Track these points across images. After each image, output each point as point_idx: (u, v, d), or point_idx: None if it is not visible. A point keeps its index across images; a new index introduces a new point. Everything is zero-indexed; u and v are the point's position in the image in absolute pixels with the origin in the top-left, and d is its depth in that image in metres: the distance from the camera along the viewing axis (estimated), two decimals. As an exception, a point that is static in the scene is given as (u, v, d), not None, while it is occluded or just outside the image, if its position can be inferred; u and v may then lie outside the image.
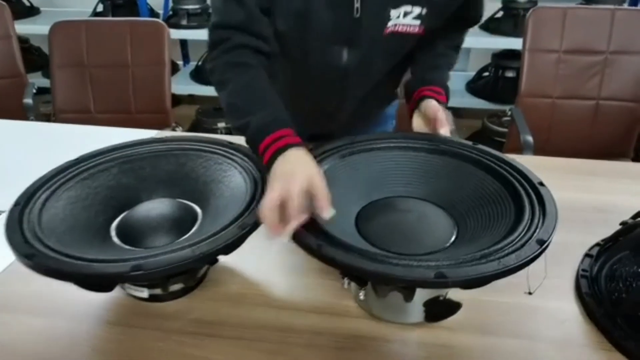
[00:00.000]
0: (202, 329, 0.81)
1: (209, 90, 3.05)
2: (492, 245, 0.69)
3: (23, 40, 3.42)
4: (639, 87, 1.80)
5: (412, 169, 0.93)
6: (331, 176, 0.84)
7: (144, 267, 0.66)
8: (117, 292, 0.86)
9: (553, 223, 0.72)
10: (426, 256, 0.75)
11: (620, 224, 0.93)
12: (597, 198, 1.13)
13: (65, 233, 0.79)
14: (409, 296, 0.74)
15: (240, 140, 0.93)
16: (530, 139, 1.71)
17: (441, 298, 0.77)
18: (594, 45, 1.81)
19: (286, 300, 0.87)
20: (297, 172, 0.75)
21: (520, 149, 1.72)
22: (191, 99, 3.69)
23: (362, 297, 0.81)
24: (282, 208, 0.72)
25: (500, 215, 0.79)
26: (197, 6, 3.11)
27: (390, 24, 0.99)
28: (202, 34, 2.94)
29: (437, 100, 1.04)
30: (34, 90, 2.08)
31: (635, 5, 2.77)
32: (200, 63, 3.44)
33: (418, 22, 1.00)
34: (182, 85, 3.33)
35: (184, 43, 3.65)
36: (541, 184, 0.82)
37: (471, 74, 3.23)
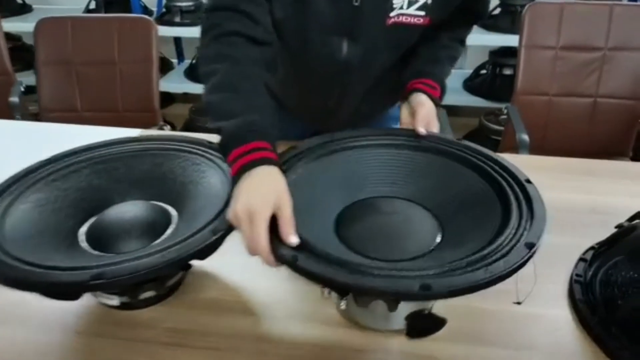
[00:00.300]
0: (175, 339, 0.77)
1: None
2: (479, 251, 0.66)
3: (15, 39, 3.39)
4: (637, 84, 1.76)
5: (396, 167, 0.89)
6: (310, 177, 0.80)
7: (105, 276, 0.62)
8: (87, 299, 0.82)
9: (542, 225, 0.68)
10: (410, 262, 0.71)
11: (616, 227, 0.89)
12: (594, 199, 1.09)
13: (30, 238, 0.75)
14: (393, 306, 0.70)
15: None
16: (526, 137, 1.67)
17: (425, 312, 0.74)
18: (592, 42, 1.77)
19: (265, 307, 0.84)
20: (262, 196, 0.68)
21: (516, 148, 1.68)
22: (185, 97, 3.64)
23: (343, 307, 0.77)
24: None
25: (486, 216, 0.74)
26: (190, 3, 3.07)
27: (393, 13, 0.94)
28: (195, 32, 2.88)
29: (429, 95, 0.99)
30: (22, 89, 2.04)
31: (634, 0, 2.72)
32: (194, 61, 3.39)
33: (423, 12, 0.96)
34: (176, 83, 3.29)
35: (177, 41, 3.60)
36: (528, 181, 0.77)
37: (468, 71, 3.19)
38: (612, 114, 1.80)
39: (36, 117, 2.04)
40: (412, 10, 0.95)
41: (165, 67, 3.44)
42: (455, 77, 3.16)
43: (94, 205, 0.86)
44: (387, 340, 0.77)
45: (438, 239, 0.77)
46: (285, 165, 0.82)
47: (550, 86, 1.81)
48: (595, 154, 1.38)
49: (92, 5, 3.21)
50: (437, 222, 0.80)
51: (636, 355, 0.72)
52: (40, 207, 0.81)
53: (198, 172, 0.88)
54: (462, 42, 1.14)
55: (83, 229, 0.83)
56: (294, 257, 0.63)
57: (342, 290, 0.70)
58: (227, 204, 0.76)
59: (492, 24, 2.81)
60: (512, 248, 0.65)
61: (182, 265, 0.69)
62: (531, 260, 0.65)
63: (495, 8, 2.85)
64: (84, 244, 0.80)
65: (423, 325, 0.74)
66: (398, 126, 1.36)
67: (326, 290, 0.75)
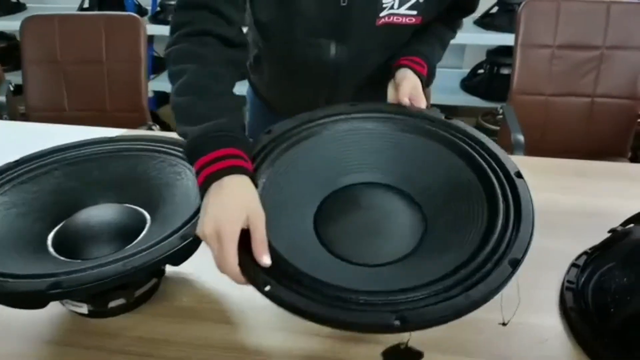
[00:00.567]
0: (146, 349, 0.74)
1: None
2: (460, 267, 0.61)
3: (9, 37, 3.36)
4: (635, 83, 1.72)
5: (379, 150, 0.82)
6: (285, 168, 0.76)
7: (64, 285, 0.59)
8: (57, 306, 0.79)
9: (528, 233, 0.64)
10: (390, 277, 0.67)
11: (609, 232, 0.85)
12: (588, 201, 1.06)
13: (-7, 243, 0.71)
14: None
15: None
16: (521, 138, 1.63)
17: (402, 347, 0.70)
18: (589, 40, 1.73)
19: (244, 316, 0.80)
20: (231, 212, 0.63)
21: (512, 148, 1.65)
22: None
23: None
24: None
25: (471, 216, 0.70)
26: (185, 2, 3.03)
27: (383, 14, 0.91)
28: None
29: (415, 71, 0.94)
30: (11, 88, 2.01)
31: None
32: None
33: (414, 12, 0.92)
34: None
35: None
36: (518, 174, 0.73)
37: (465, 71, 3.15)
38: (609, 114, 1.77)
39: (25, 117, 2.00)
40: (403, 9, 0.91)
41: (161, 66, 3.41)
42: (453, 77, 3.13)
43: (64, 208, 0.83)
44: (373, 349, 0.73)
45: (420, 237, 0.73)
46: (258, 157, 0.77)
47: (546, 86, 1.78)
48: (593, 154, 1.35)
49: (86, 4, 3.18)
50: (420, 215, 0.76)
51: (629, 367, 0.68)
52: (6, 211, 0.77)
53: (174, 174, 0.85)
54: (453, 28, 1.10)
55: (52, 234, 0.79)
56: (265, 283, 0.59)
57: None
58: (199, 209, 0.72)
59: (490, 23, 2.78)
60: (495, 265, 0.60)
61: (147, 273, 0.66)
62: (515, 279, 0.60)
63: (492, 7, 2.81)
64: (51, 249, 0.76)
65: None
66: None
67: None
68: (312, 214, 0.76)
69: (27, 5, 3.47)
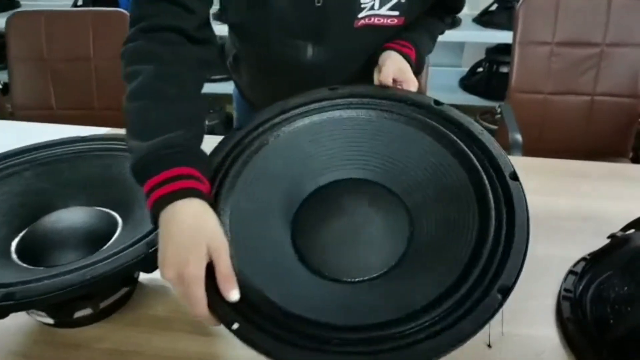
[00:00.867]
0: (115, 361, 0.70)
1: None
2: (446, 295, 0.56)
3: (1, 35, 3.32)
4: (637, 81, 1.67)
5: (360, 143, 0.75)
6: (257, 173, 0.69)
7: (17, 296, 0.55)
8: (24, 315, 0.74)
9: (520, 258, 0.56)
10: (368, 303, 0.61)
11: (609, 237, 0.81)
12: (587, 204, 1.01)
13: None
14: None
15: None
16: (519, 137, 1.58)
17: None
18: (589, 37, 1.68)
19: (220, 327, 0.75)
20: (191, 249, 0.55)
21: (509, 148, 1.60)
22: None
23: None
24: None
25: (460, 227, 0.64)
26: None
27: (362, 14, 0.85)
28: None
29: (401, 53, 0.88)
30: (0, 86, 1.97)
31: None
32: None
33: (396, 12, 0.87)
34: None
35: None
36: (514, 176, 0.65)
37: (464, 69, 3.11)
38: (610, 113, 1.72)
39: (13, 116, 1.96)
40: (384, 10, 0.86)
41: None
42: (451, 75, 3.10)
43: (32, 212, 0.78)
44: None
45: (405, 245, 0.67)
46: (222, 168, 0.69)
47: (545, 84, 1.73)
48: (592, 154, 1.31)
49: (80, 2, 3.13)
50: (405, 217, 0.70)
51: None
52: (-30, 214, 0.73)
53: (150, 175, 0.80)
54: (442, 20, 1.02)
55: (17, 239, 0.75)
56: (232, 320, 0.54)
57: None
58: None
59: (489, 21, 2.74)
60: (483, 294, 0.54)
61: (112, 282, 0.61)
62: None
63: (492, 4, 2.77)
64: (14, 255, 0.72)
65: None
66: None
67: None
68: (288, 222, 0.70)
69: (22, 2, 3.42)
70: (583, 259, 0.84)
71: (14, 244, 0.74)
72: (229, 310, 0.55)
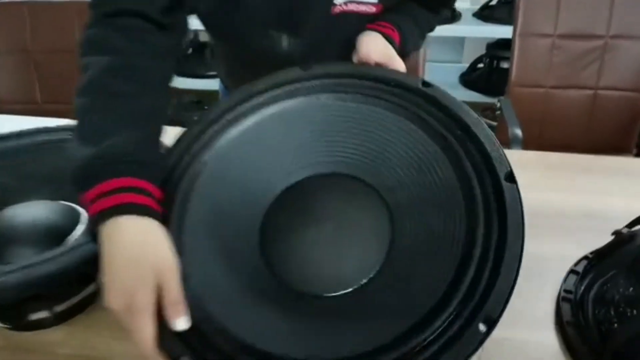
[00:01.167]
0: (74, 368, 0.64)
1: (190, 83, 2.88)
2: (420, 329, 0.48)
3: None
4: (641, 75, 1.62)
5: (336, 132, 0.66)
6: (220, 171, 0.62)
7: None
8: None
9: (510, 282, 0.48)
10: (337, 329, 0.54)
11: (613, 234, 0.75)
12: (589, 200, 0.95)
13: None
14: None
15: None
16: (519, 132, 1.53)
17: None
18: (592, 29, 1.64)
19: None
20: (137, 277, 0.48)
21: (508, 144, 1.55)
22: (172, 91, 3.52)
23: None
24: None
25: (445, 238, 0.56)
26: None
27: (339, 1, 0.80)
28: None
29: (382, 34, 0.80)
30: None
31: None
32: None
33: (374, 0, 0.81)
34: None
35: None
36: (509, 176, 0.56)
37: (465, 65, 3.07)
38: (613, 108, 1.67)
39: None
40: None
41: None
42: (452, 72, 3.06)
43: (-8, 206, 0.73)
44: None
45: (384, 253, 0.60)
46: (178, 167, 0.61)
47: (546, 78, 1.69)
48: (595, 151, 1.26)
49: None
50: (385, 218, 0.62)
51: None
52: None
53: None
54: (429, 9, 0.94)
55: (-30, 235, 0.70)
56: (181, 354, 0.48)
57: None
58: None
59: (489, 15, 2.69)
60: (465, 324, 0.47)
61: (58, 283, 0.55)
62: None
63: (492, -2, 2.73)
64: (-35, 253, 0.67)
65: None
66: None
67: None
68: (256, 230, 0.63)
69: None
70: (585, 257, 0.79)
71: (-33, 240, 0.69)
72: (178, 342, 0.48)
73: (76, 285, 0.66)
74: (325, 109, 0.67)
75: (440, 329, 0.47)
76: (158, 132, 0.60)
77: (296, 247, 0.61)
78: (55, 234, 0.69)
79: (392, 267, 0.58)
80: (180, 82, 3.11)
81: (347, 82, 0.68)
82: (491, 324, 0.47)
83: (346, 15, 0.81)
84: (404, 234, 0.60)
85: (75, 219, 0.71)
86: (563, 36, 1.65)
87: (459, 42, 3.11)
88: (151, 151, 0.57)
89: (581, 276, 0.75)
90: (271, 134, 0.66)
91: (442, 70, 2.97)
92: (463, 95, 2.89)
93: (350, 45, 0.83)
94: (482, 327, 0.46)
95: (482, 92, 2.86)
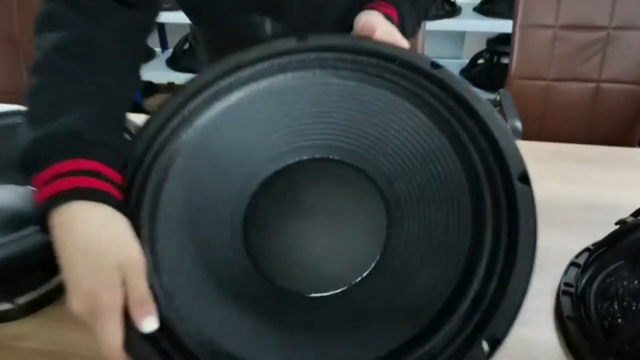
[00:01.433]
0: (38, 364, 0.60)
1: (185, 78, 2.85)
2: (421, 340, 0.43)
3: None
4: (645, 67, 1.58)
5: (332, 112, 0.60)
6: (201, 149, 0.56)
7: None
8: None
9: (517, 301, 0.45)
10: (322, 335, 0.49)
11: (617, 224, 0.71)
12: (591, 191, 0.92)
13: None
14: None
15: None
16: (519, 124, 1.49)
17: None
18: (595, 20, 1.60)
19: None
20: (102, 276, 0.43)
21: (509, 137, 1.51)
22: (170, 87, 3.48)
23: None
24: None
25: (447, 248, 0.50)
26: (172, -14, 2.90)
27: None
28: (181, 17, 2.71)
29: (382, 13, 0.72)
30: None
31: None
32: (176, 49, 3.23)
33: None
34: (159, 72, 3.12)
35: (161, 27, 3.43)
36: (524, 178, 0.49)
37: (465, 61, 3.03)
38: (616, 101, 1.63)
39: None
40: None
41: (148, 55, 3.29)
42: (452, 67, 2.98)
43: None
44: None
45: (380, 250, 0.55)
46: (158, 138, 0.54)
47: (547, 70, 1.65)
48: (597, 144, 1.22)
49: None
50: (384, 215, 0.56)
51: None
52: None
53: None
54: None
55: None
56: (146, 357, 0.43)
57: None
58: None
59: (490, 9, 2.67)
60: (467, 343, 0.42)
61: (12, 270, 0.51)
62: None
63: (493, -8, 2.69)
64: None
65: None
66: None
67: None
68: (240, 219, 0.58)
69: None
70: (587, 249, 0.75)
71: None
72: (145, 344, 0.43)
73: (41, 275, 0.62)
74: (322, 87, 0.60)
75: (442, 346, 0.42)
76: (118, 116, 0.54)
77: (282, 240, 0.56)
78: (21, 220, 0.65)
79: (387, 268, 0.53)
80: (176, 77, 3.07)
81: (347, 58, 0.60)
82: (495, 345, 0.42)
83: (336, 2, 0.76)
84: (401, 230, 0.55)
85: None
86: (565, 27, 1.61)
87: (459, 38, 3.08)
88: (107, 132, 0.51)
89: (582, 269, 0.71)
90: (258, 113, 0.60)
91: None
92: (463, 91, 2.86)
93: (339, 31, 0.78)
94: (485, 349, 0.42)
95: (482, 87, 2.81)
